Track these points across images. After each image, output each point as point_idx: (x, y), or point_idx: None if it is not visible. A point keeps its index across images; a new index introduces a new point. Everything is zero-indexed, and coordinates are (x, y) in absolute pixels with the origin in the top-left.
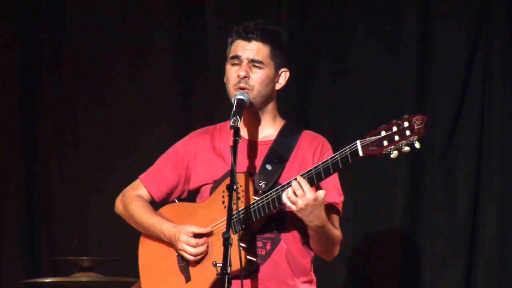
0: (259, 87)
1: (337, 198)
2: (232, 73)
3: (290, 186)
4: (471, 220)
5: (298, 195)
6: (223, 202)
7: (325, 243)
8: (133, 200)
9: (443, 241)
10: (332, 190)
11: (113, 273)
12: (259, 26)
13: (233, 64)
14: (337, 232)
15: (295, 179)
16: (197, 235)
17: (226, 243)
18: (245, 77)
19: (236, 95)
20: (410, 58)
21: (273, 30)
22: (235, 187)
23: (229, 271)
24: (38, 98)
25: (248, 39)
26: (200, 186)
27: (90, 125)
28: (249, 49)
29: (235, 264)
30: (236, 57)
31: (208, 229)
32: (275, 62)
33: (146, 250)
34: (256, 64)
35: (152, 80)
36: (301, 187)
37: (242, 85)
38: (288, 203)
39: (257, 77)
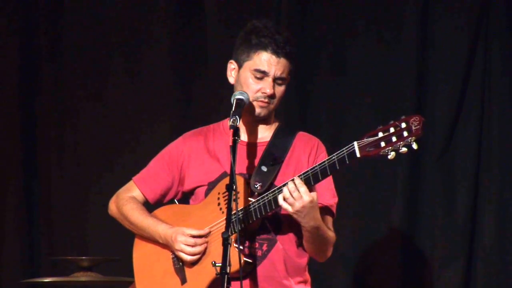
0: (277, 102)
1: (331, 200)
2: (254, 86)
3: (286, 187)
4: (471, 220)
5: (295, 198)
6: (219, 204)
7: (319, 244)
8: (127, 202)
9: (442, 241)
10: (326, 191)
11: (112, 273)
12: (285, 40)
13: (257, 77)
14: (330, 234)
15: (292, 180)
16: (194, 237)
17: (226, 243)
18: (272, 95)
19: (235, 95)
20: (410, 58)
21: (294, 43)
22: (234, 187)
23: (228, 271)
24: (37, 96)
25: (277, 54)
26: (195, 188)
27: (89, 125)
28: (277, 66)
29: (234, 265)
30: (263, 72)
31: (205, 230)
32: (291, 74)
33: (141, 252)
34: (280, 82)
35: (151, 79)
36: (297, 189)
37: (266, 100)
38: (285, 205)
39: (279, 93)
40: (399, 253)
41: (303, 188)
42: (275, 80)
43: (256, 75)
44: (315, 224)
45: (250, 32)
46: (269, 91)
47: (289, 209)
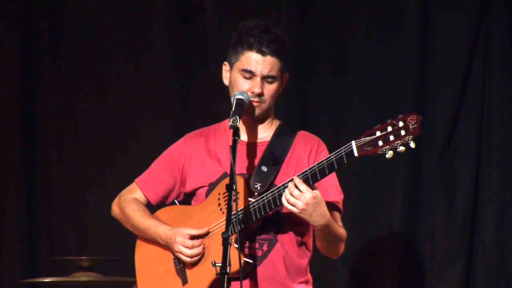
0: (270, 100)
1: (337, 196)
2: (243, 85)
3: (287, 188)
4: (471, 220)
5: (295, 196)
6: (219, 205)
7: (332, 242)
8: (130, 204)
9: (442, 241)
10: (331, 189)
11: (112, 273)
12: (272, 38)
13: (245, 77)
14: (341, 230)
15: (291, 180)
16: (193, 237)
17: (226, 243)
18: (260, 93)
19: (235, 95)
20: (410, 58)
21: (283, 41)
22: (234, 187)
23: (228, 271)
24: (37, 96)
25: (262, 53)
26: (196, 189)
27: (89, 125)
28: (263, 65)
29: (234, 265)
30: (249, 71)
31: (204, 230)
32: (283, 72)
33: (143, 253)
34: (269, 80)
35: (151, 79)
36: (297, 187)
37: (256, 99)
38: (289, 207)
39: (269, 91)
40: (399, 253)
41: (303, 186)
42: (263, 78)
43: (244, 75)
44: (324, 221)
45: (240, 33)
46: (257, 90)
47: (294, 209)
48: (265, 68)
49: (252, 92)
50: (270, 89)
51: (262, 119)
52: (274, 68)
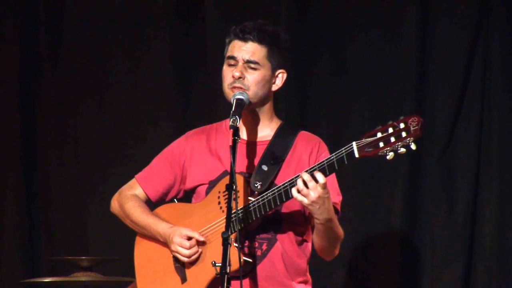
0: (255, 88)
1: (336, 198)
2: (228, 73)
3: (289, 185)
4: (471, 220)
5: (310, 188)
6: (219, 203)
7: (330, 239)
8: (129, 200)
9: (442, 241)
10: (330, 190)
11: (112, 273)
12: (256, 27)
13: (230, 65)
14: (340, 229)
15: (306, 171)
16: (190, 238)
17: (226, 242)
18: (240, 77)
19: (235, 95)
20: (410, 58)
21: (271, 31)
22: (234, 186)
23: (228, 271)
24: (37, 99)
25: (244, 39)
26: (196, 186)
27: (89, 126)
28: (245, 50)
29: (234, 264)
30: (232, 57)
31: (201, 238)
32: (272, 63)
33: (142, 250)
34: (252, 65)
35: (151, 81)
36: (313, 179)
37: (237, 85)
38: (299, 197)
39: (253, 78)
40: (399, 253)
41: (321, 178)
42: (246, 64)
43: (229, 63)
44: (328, 216)
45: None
46: (237, 74)
47: (304, 200)
48: (246, 53)
49: (233, 77)
50: (253, 76)
51: (259, 116)
52: (257, 54)
